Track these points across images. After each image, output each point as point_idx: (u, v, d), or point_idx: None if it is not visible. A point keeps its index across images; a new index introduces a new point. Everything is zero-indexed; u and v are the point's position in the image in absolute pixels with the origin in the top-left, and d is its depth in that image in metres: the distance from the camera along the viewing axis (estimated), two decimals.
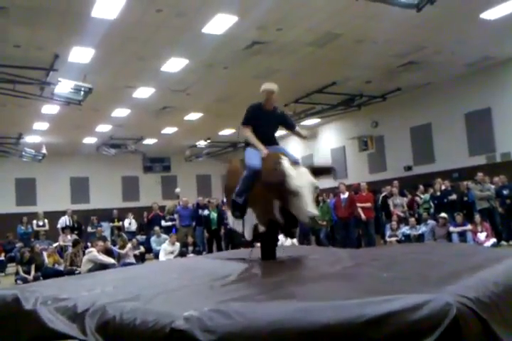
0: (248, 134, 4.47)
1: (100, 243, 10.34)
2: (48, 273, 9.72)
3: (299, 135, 4.84)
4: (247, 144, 4.54)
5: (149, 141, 19.59)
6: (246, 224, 4.48)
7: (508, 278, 2.84)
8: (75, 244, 11.10)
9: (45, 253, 10.68)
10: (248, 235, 4.52)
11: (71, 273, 9.50)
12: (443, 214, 10.56)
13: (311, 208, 3.85)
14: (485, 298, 2.34)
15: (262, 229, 4.37)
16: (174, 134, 18.56)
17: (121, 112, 15.03)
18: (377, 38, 10.27)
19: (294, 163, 4.20)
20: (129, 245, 11.18)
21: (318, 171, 4.25)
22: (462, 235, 10.13)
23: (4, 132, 15.94)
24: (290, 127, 4.78)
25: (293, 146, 21.19)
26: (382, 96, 14.59)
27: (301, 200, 3.86)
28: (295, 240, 10.77)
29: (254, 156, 4.33)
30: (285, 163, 4.06)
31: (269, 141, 4.55)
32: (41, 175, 19.85)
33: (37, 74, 10.73)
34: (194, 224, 12.34)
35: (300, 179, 3.91)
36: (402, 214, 11.62)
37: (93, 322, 2.64)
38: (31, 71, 10.52)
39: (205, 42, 9.85)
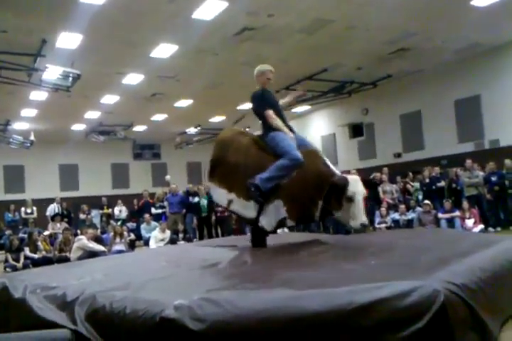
0: (276, 120, 4.34)
1: (90, 230, 10.30)
2: (38, 261, 9.69)
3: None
4: (268, 128, 4.39)
5: (139, 128, 19.44)
6: (269, 215, 4.28)
7: (495, 264, 2.87)
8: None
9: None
10: (270, 226, 4.33)
11: (61, 260, 9.46)
12: (426, 201, 10.65)
13: (363, 215, 3.97)
14: (472, 284, 2.37)
15: (290, 223, 4.37)
16: (164, 121, 18.44)
17: (110, 99, 14.89)
18: (369, 24, 10.21)
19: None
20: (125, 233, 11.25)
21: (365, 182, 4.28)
22: (450, 221, 10.23)
23: None
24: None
25: None
26: (372, 83, 14.57)
27: (355, 207, 3.94)
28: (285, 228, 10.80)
29: (290, 144, 4.19)
30: (330, 164, 4.23)
31: (288, 126, 4.48)
32: (29, 162, 19.67)
33: (24, 60, 10.56)
34: (184, 211, 12.32)
35: (355, 185, 3.98)
36: (391, 201, 11.67)
37: (83, 311, 2.63)
38: (18, 57, 10.34)
39: (195, 28, 9.74)
